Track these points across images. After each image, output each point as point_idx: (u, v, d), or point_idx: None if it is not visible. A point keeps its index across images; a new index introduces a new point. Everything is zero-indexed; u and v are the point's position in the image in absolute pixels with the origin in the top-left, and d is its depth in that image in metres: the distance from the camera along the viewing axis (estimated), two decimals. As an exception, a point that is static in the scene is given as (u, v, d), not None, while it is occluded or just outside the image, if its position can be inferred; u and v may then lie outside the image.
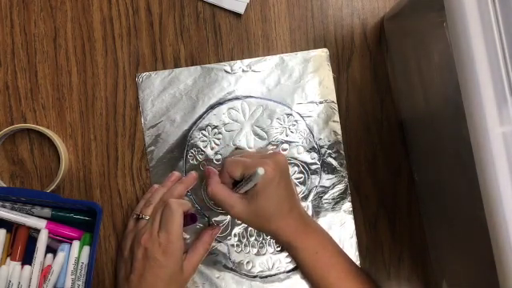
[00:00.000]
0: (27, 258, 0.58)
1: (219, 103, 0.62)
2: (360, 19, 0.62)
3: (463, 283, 0.53)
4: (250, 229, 0.61)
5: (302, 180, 0.61)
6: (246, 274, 0.60)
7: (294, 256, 0.58)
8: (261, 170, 0.49)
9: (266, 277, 0.60)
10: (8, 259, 0.58)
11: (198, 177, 0.60)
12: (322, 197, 0.61)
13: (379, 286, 0.60)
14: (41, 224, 0.58)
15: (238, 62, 0.62)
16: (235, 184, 0.56)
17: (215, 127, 0.61)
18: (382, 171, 0.62)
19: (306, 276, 0.59)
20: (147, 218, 0.56)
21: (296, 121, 0.61)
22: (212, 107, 0.61)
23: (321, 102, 0.62)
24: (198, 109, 0.61)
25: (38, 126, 0.60)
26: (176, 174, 0.60)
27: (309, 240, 0.56)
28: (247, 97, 0.62)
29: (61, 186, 0.61)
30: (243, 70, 0.62)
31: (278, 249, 0.60)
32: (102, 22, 0.62)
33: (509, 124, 0.34)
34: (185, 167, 0.61)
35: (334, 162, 0.61)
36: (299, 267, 0.59)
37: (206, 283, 0.60)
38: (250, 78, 0.62)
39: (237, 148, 0.61)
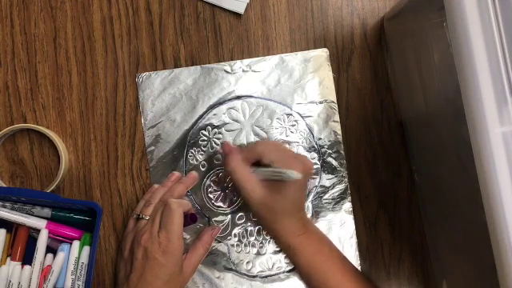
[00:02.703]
0: (27, 258, 0.58)
1: (219, 103, 0.62)
2: (360, 19, 0.62)
3: (463, 283, 0.53)
4: (250, 229, 0.61)
5: (302, 180, 0.61)
6: (246, 274, 0.60)
7: (292, 259, 0.58)
8: (298, 175, 0.50)
9: (266, 277, 0.60)
10: (8, 259, 0.58)
11: (198, 177, 0.60)
12: (322, 197, 0.61)
13: None
14: (41, 224, 0.58)
15: (238, 61, 0.62)
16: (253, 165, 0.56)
17: (215, 127, 0.61)
18: (382, 171, 0.62)
19: (305, 280, 0.59)
20: (147, 217, 0.56)
21: (296, 121, 0.61)
22: (212, 107, 0.61)
23: (321, 102, 0.62)
24: (198, 109, 0.61)
25: (38, 126, 0.60)
26: (176, 174, 0.60)
27: (307, 244, 0.56)
28: (247, 97, 0.62)
29: (61, 186, 0.61)
30: (243, 70, 0.62)
31: (278, 249, 0.60)
32: (101, 21, 0.62)
33: (509, 124, 0.34)
34: (185, 167, 0.61)
35: (334, 162, 0.61)
36: (298, 271, 0.59)
37: (206, 283, 0.60)
38: (249, 78, 0.62)
39: (240, 146, 0.61)
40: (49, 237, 0.58)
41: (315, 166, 0.61)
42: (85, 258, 0.57)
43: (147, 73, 0.62)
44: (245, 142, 0.61)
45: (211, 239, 0.59)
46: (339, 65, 0.62)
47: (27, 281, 0.57)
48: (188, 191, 0.60)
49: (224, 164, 0.57)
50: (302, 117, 0.61)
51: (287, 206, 0.55)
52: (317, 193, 0.61)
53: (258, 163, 0.56)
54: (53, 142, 0.60)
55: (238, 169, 0.55)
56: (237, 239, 0.61)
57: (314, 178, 0.61)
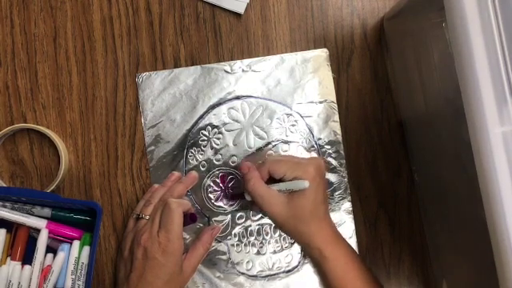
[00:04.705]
0: (27, 258, 0.58)
1: (219, 103, 0.62)
2: (360, 19, 0.62)
3: (463, 283, 0.53)
4: (250, 228, 0.61)
5: (301, 180, 0.61)
6: (246, 274, 0.60)
7: (321, 265, 0.56)
8: (306, 184, 0.53)
9: (266, 276, 0.60)
10: (8, 259, 0.58)
11: (197, 177, 0.60)
12: (321, 197, 0.61)
13: None
14: (41, 224, 0.58)
15: (238, 61, 0.62)
16: (268, 182, 0.56)
17: (215, 127, 0.61)
18: (382, 171, 0.62)
19: (332, 287, 0.56)
20: (147, 217, 0.56)
21: (296, 121, 0.61)
22: (212, 107, 0.61)
23: (321, 102, 0.62)
24: (198, 109, 0.61)
25: (38, 126, 0.60)
26: (176, 174, 0.60)
27: (340, 250, 0.56)
28: (247, 97, 0.62)
29: (61, 186, 0.61)
30: (243, 70, 0.62)
31: (278, 248, 0.60)
32: (101, 21, 0.62)
33: (509, 124, 0.34)
34: (185, 167, 0.61)
35: (334, 162, 0.61)
36: (325, 277, 0.57)
37: (206, 283, 0.60)
38: (249, 78, 0.62)
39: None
40: (49, 237, 0.58)
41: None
42: (85, 258, 0.57)
43: (147, 73, 0.62)
44: (245, 142, 0.61)
45: (211, 239, 0.59)
46: (339, 65, 0.62)
47: (27, 281, 0.57)
48: (188, 191, 0.60)
49: (243, 183, 0.56)
50: (301, 117, 0.61)
51: (311, 207, 0.55)
52: (317, 193, 0.61)
53: (270, 180, 0.56)
54: (53, 142, 0.60)
55: (257, 186, 0.55)
56: (237, 239, 0.61)
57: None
